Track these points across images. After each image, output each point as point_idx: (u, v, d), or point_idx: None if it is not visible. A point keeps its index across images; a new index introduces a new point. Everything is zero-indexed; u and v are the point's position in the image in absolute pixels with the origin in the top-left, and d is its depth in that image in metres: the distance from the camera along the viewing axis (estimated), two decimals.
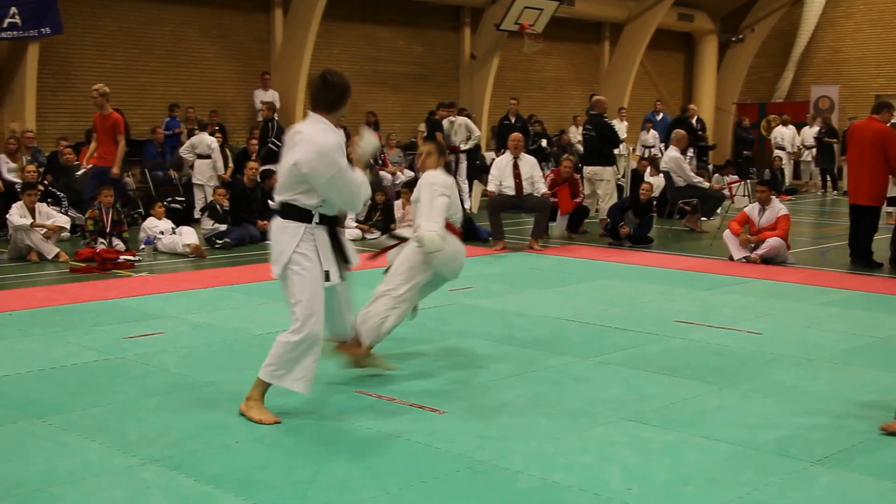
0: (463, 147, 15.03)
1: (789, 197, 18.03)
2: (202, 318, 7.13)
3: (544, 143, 17.35)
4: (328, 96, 4.78)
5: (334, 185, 4.64)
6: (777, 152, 20.24)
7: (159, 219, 11.04)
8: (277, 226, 4.77)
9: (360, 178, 4.80)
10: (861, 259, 10.07)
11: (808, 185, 20.57)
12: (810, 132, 20.45)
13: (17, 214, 10.16)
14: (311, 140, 4.64)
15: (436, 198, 5.76)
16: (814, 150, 20.28)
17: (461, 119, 15.30)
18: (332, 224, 4.87)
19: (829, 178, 20.21)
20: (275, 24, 16.84)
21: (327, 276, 4.76)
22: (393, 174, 15.82)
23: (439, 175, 5.98)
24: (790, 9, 24.06)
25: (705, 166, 17.64)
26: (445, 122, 15.06)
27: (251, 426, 4.65)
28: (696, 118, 19.10)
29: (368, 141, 5.18)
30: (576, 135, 19.09)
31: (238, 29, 16.55)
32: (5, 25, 12.90)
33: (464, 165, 15.10)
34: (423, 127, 17.70)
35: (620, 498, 3.80)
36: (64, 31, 13.68)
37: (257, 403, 4.80)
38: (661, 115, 20.16)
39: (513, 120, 15.44)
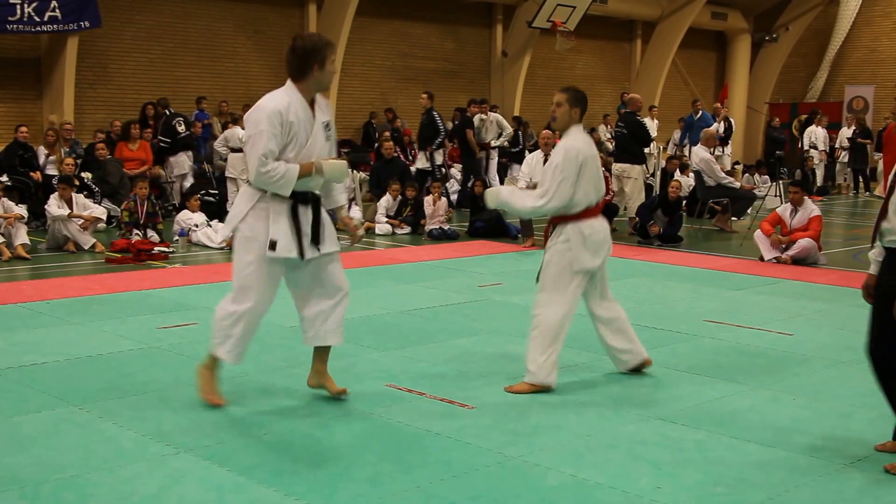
0: (493, 143, 15.03)
1: (820, 198, 17.87)
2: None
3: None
4: (291, 61, 4.62)
5: (248, 146, 4.54)
6: (812, 152, 20.03)
7: (194, 211, 11.17)
8: (241, 190, 4.81)
9: (285, 169, 4.51)
10: None
11: (841, 186, 20.35)
12: (846, 133, 20.23)
13: (55, 205, 10.33)
14: (258, 102, 4.61)
15: (555, 182, 5.18)
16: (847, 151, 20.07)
17: (493, 115, 15.28)
18: (305, 199, 4.67)
19: (861, 179, 19.98)
20: (309, 19, 16.94)
21: (273, 246, 4.57)
22: None
23: (573, 143, 5.26)
24: (826, 8, 23.80)
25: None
26: (476, 119, 15.07)
27: (283, 418, 4.72)
28: (723, 118, 18.89)
29: (331, 170, 4.71)
30: (605, 133, 19.01)
31: (272, 24, 16.67)
32: (46, 19, 13.10)
33: (494, 162, 15.10)
34: (450, 125, 17.72)
35: (650, 496, 3.81)
36: (102, 25, 13.85)
37: (207, 374, 4.84)
38: (700, 113, 19.62)
39: (424, 117, 14.66)
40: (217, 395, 4.85)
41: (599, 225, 5.36)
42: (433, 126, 14.51)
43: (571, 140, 5.29)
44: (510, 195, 5.44)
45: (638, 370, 5.65)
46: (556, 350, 5.23)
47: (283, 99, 4.56)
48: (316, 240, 4.71)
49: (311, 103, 4.69)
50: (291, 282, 4.86)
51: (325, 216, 4.84)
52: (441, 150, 14.93)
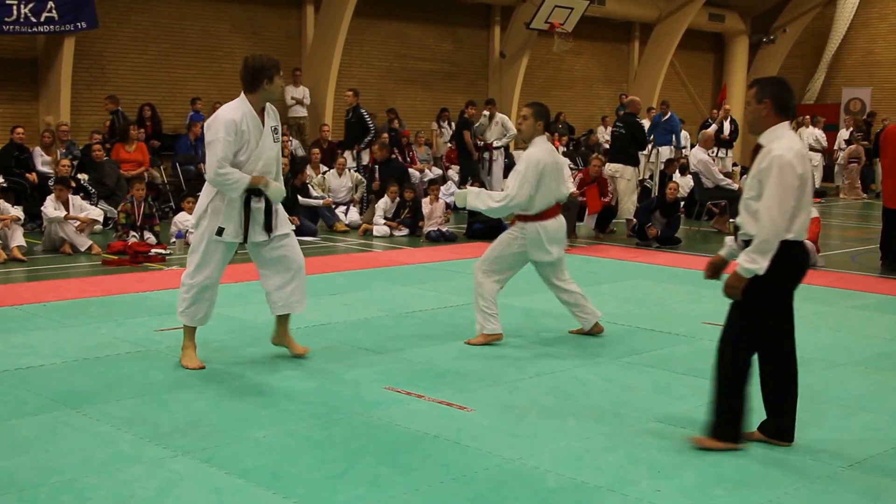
0: (496, 144, 15.02)
1: (818, 199, 17.87)
2: (232, 312, 7.19)
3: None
4: (244, 77, 5.45)
5: (208, 150, 5.39)
6: (810, 154, 20.01)
7: (190, 213, 11.13)
8: (204, 188, 5.67)
9: (238, 177, 5.36)
10: (893, 263, 9.97)
11: (840, 188, 20.35)
12: (844, 135, 20.23)
13: (51, 206, 10.30)
14: (216, 112, 5.51)
15: (516, 186, 6.08)
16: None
17: (500, 116, 15.25)
18: (258, 192, 5.49)
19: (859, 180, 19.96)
20: (306, 20, 16.92)
21: (220, 232, 5.48)
22: (421, 171, 15.84)
23: (535, 152, 6.14)
24: (823, 10, 23.84)
25: None
26: (482, 118, 15.04)
27: (281, 420, 4.71)
28: (728, 119, 18.83)
29: (273, 191, 5.56)
30: (604, 135, 18.97)
31: (270, 25, 16.65)
32: (42, 20, 13.07)
33: (498, 163, 15.04)
34: (435, 126, 17.65)
35: (649, 499, 3.80)
36: (99, 26, 13.82)
37: (188, 352, 5.69)
38: (669, 115, 17.90)
39: (349, 115, 14.38)
40: (195, 362, 5.65)
41: (557, 224, 6.32)
42: (362, 125, 14.21)
43: (534, 149, 6.17)
44: (476, 197, 6.29)
45: (591, 333, 6.61)
46: (496, 311, 6.34)
47: (237, 110, 5.41)
48: (269, 226, 5.58)
49: (262, 112, 5.51)
50: (256, 260, 5.78)
51: (277, 205, 5.67)
52: (367, 150, 14.63)
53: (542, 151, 6.16)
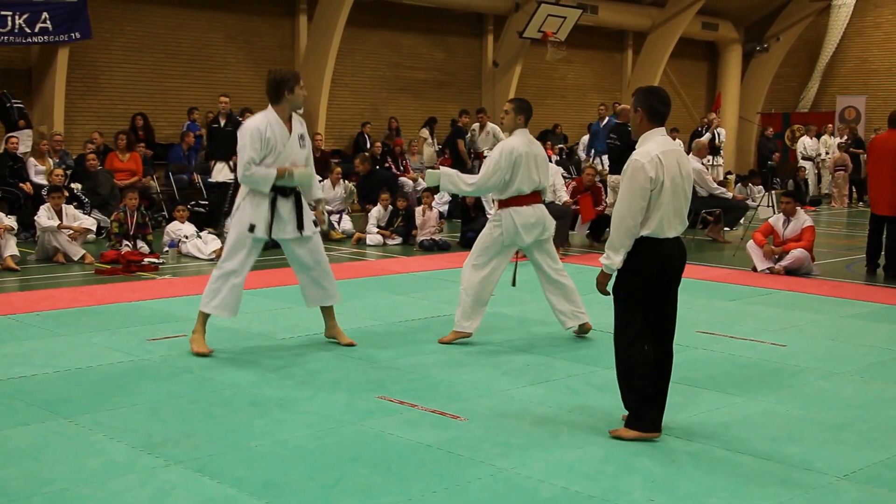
0: (486, 153, 15.06)
1: (814, 208, 17.91)
2: (225, 322, 7.14)
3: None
4: (267, 90, 6.04)
5: (238, 155, 6.06)
6: (802, 163, 20.08)
7: (182, 222, 11.11)
8: (240, 187, 6.21)
9: (264, 173, 5.92)
10: (889, 270, 9.99)
11: (833, 196, 20.41)
12: (838, 142, 20.31)
13: (44, 216, 10.28)
14: (245, 122, 6.23)
15: (489, 172, 6.41)
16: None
17: (491, 126, 15.30)
18: (285, 193, 6.04)
19: (854, 188, 20.02)
20: (299, 29, 16.94)
21: (251, 229, 6.01)
22: (414, 180, 15.84)
23: (510, 141, 6.45)
24: (816, 18, 23.93)
25: None
26: (476, 126, 15.08)
27: (274, 430, 4.70)
28: (716, 129, 18.88)
29: (299, 176, 6.05)
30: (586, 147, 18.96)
31: (263, 34, 16.66)
32: (37, 30, 13.07)
33: None
34: (425, 133, 17.69)
35: None
36: (93, 36, 13.82)
37: (198, 336, 6.12)
38: (606, 119, 17.00)
39: (222, 122, 13.47)
40: (205, 347, 6.09)
41: (531, 210, 6.49)
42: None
43: (511, 140, 6.50)
44: (448, 179, 6.52)
45: (581, 333, 6.78)
46: (482, 310, 6.56)
47: (263, 119, 5.99)
48: (300, 223, 6.10)
49: (289, 120, 6.04)
50: (289, 256, 6.31)
51: (305, 205, 6.17)
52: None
53: (518, 142, 6.44)
